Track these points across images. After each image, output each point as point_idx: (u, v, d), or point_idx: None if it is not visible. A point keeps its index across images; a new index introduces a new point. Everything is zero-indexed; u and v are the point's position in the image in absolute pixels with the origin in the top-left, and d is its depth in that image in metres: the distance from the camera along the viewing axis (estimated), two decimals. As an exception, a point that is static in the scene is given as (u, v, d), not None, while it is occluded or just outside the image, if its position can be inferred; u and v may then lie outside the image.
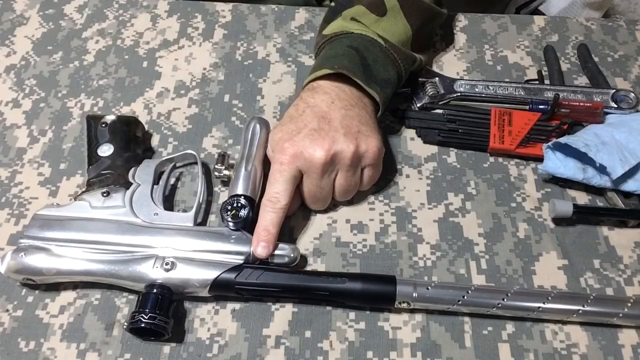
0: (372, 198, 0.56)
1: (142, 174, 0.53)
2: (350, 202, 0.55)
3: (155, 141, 0.60)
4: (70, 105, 0.62)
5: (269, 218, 0.49)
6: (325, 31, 0.57)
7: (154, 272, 0.46)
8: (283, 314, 0.49)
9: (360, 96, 0.53)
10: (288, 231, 0.53)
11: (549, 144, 0.55)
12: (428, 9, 0.60)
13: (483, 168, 0.58)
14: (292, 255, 0.48)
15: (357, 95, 0.53)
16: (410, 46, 0.58)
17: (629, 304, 0.46)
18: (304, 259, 0.52)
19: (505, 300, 0.46)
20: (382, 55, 0.54)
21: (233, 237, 0.49)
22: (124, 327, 0.46)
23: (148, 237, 0.48)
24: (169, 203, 0.55)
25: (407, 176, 0.57)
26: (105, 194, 0.51)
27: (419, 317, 0.49)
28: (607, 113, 0.59)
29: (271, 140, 0.52)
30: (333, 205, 0.55)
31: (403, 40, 0.57)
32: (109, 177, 0.52)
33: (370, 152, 0.50)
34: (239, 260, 0.48)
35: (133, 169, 0.53)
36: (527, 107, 0.59)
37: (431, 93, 0.61)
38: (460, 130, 0.59)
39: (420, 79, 0.62)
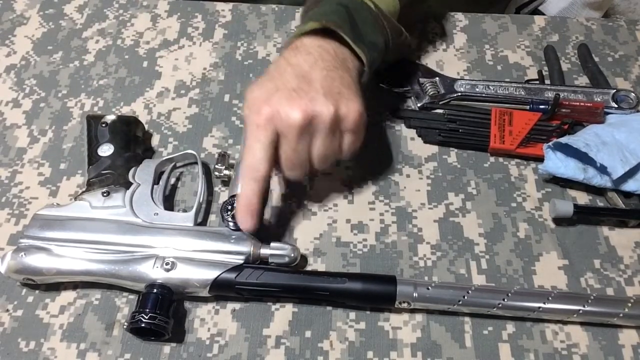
0: (372, 198, 0.56)
1: (142, 173, 0.53)
2: (350, 202, 0.55)
3: (155, 141, 0.60)
4: (70, 105, 0.62)
5: (250, 189, 0.47)
6: None
7: (154, 272, 0.46)
8: (283, 314, 0.49)
9: (345, 58, 0.51)
10: (288, 231, 0.53)
11: (550, 144, 0.55)
12: None
13: (483, 168, 0.58)
14: (292, 255, 0.48)
15: (342, 57, 0.51)
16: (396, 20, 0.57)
17: (630, 304, 0.46)
18: (304, 259, 0.52)
19: (505, 300, 0.46)
20: (371, 19, 0.53)
21: (233, 237, 0.49)
22: (124, 327, 0.46)
23: (148, 237, 0.48)
24: (169, 203, 0.55)
25: (408, 176, 0.57)
26: (105, 194, 0.51)
27: (419, 317, 0.49)
28: (608, 113, 0.59)
29: (247, 98, 0.49)
30: (333, 205, 0.55)
31: (391, 12, 0.56)
32: (109, 177, 0.52)
33: (350, 115, 0.48)
34: (239, 260, 0.48)
35: (133, 168, 0.53)
36: (528, 107, 0.59)
37: (431, 93, 0.61)
38: (460, 130, 0.59)
39: (420, 79, 0.62)
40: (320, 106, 0.46)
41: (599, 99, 0.60)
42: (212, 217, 0.54)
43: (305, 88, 0.47)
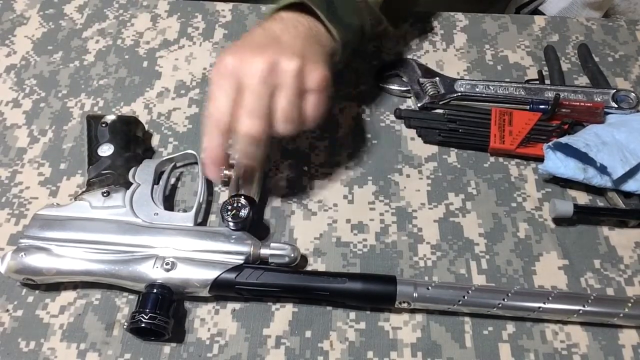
0: (372, 198, 0.56)
1: (143, 173, 0.53)
2: (350, 202, 0.55)
3: (155, 141, 0.60)
4: (70, 105, 0.62)
5: (215, 141, 0.47)
6: None
7: (154, 272, 0.46)
8: (283, 314, 0.49)
9: (319, 33, 0.51)
10: (288, 231, 0.53)
11: (550, 144, 0.55)
12: None
13: (483, 168, 0.58)
14: (292, 255, 0.48)
15: (316, 31, 0.51)
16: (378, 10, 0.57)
17: (630, 304, 0.46)
18: (304, 259, 0.52)
19: (505, 300, 0.46)
20: (349, 1, 0.53)
21: (233, 237, 0.49)
22: (124, 327, 0.46)
23: (148, 237, 0.48)
24: (169, 203, 0.55)
25: (408, 176, 0.57)
26: (105, 194, 0.51)
27: (419, 317, 0.49)
28: (608, 113, 0.59)
29: (217, 60, 0.49)
30: (333, 205, 0.55)
31: (372, 1, 0.56)
32: (109, 177, 0.52)
33: (315, 74, 0.47)
34: (239, 260, 0.48)
35: (133, 168, 0.53)
36: (528, 107, 0.59)
37: (431, 93, 0.61)
38: (460, 130, 0.59)
39: (420, 79, 0.62)
40: (286, 59, 0.46)
41: (599, 99, 0.60)
42: (212, 217, 0.54)
43: (273, 45, 0.47)
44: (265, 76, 0.45)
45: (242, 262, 0.47)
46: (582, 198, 0.56)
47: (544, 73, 0.64)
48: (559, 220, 0.54)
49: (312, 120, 0.49)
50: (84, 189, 0.52)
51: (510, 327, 0.48)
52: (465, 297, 0.46)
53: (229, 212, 0.49)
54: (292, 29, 0.49)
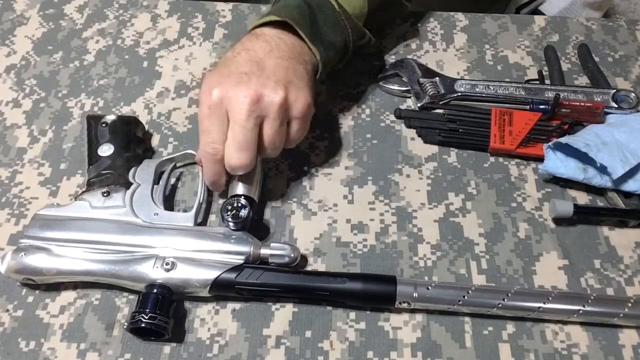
0: (372, 198, 0.56)
1: (143, 173, 0.53)
2: (350, 202, 0.55)
3: (155, 141, 0.60)
4: (70, 105, 0.62)
5: (213, 172, 0.49)
6: None
7: (154, 272, 0.46)
8: (283, 314, 0.49)
9: (302, 52, 0.52)
10: (288, 231, 0.53)
11: (550, 144, 0.55)
12: None
13: (483, 168, 0.58)
14: (292, 255, 0.48)
15: (299, 50, 0.52)
16: (362, 24, 0.58)
17: (630, 304, 0.46)
18: (304, 259, 0.52)
19: (505, 300, 0.46)
20: (332, 18, 0.54)
21: (233, 237, 0.49)
22: (124, 327, 0.46)
23: (148, 237, 0.48)
24: (169, 203, 0.55)
25: (408, 176, 0.57)
26: (105, 194, 0.51)
27: (419, 317, 0.49)
28: (608, 113, 0.59)
29: (202, 82, 0.50)
30: (333, 205, 0.55)
31: (357, 15, 0.57)
32: (109, 177, 0.52)
33: (299, 103, 0.49)
34: (239, 260, 0.48)
35: (133, 168, 0.53)
36: (528, 107, 0.59)
37: (432, 93, 0.61)
38: (460, 130, 0.59)
39: (420, 79, 0.62)
40: (270, 91, 0.48)
41: (599, 99, 0.60)
42: (212, 217, 0.54)
43: (257, 73, 0.48)
44: (251, 107, 0.47)
45: (242, 262, 0.47)
46: (582, 198, 0.56)
47: (544, 73, 0.64)
48: (559, 220, 0.54)
49: (295, 143, 0.52)
50: (84, 189, 0.52)
51: (510, 327, 0.48)
52: (465, 297, 0.46)
53: (229, 212, 0.49)
54: (276, 50, 0.51)
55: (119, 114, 0.61)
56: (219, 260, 0.47)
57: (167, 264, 0.46)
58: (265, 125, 0.48)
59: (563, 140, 0.54)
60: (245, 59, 0.50)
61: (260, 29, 0.52)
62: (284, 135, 0.50)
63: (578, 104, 0.59)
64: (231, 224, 0.49)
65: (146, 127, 0.59)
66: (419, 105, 0.61)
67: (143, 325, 0.44)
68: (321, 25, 0.53)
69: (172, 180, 0.56)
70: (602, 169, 0.53)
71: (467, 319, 0.48)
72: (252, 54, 0.50)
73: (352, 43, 0.56)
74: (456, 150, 0.59)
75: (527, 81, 0.63)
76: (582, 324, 0.48)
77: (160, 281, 0.46)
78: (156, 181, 0.53)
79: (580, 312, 0.46)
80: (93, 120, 0.56)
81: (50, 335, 0.48)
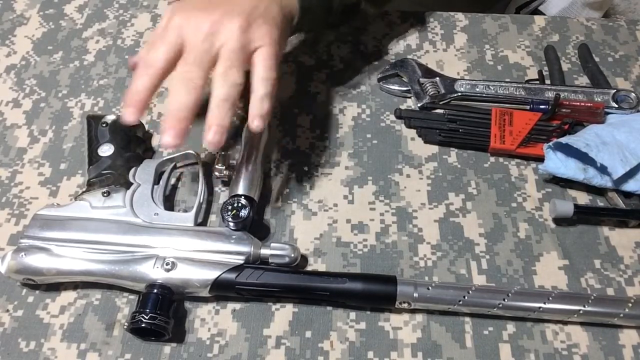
0: (372, 198, 0.56)
1: (143, 173, 0.53)
2: (350, 202, 0.55)
3: (155, 141, 0.60)
4: (70, 105, 0.62)
5: (140, 82, 0.45)
6: None
7: (155, 272, 0.46)
8: (283, 314, 0.49)
9: None
10: (288, 231, 0.53)
11: (550, 144, 0.55)
12: None
13: (484, 168, 0.58)
14: (292, 255, 0.48)
15: None
16: None
17: (630, 304, 0.46)
18: (304, 259, 0.52)
19: (506, 300, 0.46)
20: None
21: (233, 237, 0.49)
22: (125, 327, 0.46)
23: (148, 237, 0.48)
24: (169, 203, 0.55)
25: (408, 176, 0.57)
26: (105, 194, 0.51)
27: (419, 317, 0.49)
28: (608, 113, 0.59)
29: (167, 9, 0.48)
30: (333, 205, 0.55)
31: None
32: (109, 177, 0.52)
33: (263, 39, 0.46)
34: (239, 260, 0.48)
35: (133, 168, 0.53)
36: (528, 107, 0.59)
37: (432, 93, 0.61)
38: (460, 130, 0.59)
39: (420, 79, 0.62)
40: (231, 20, 0.45)
41: (599, 99, 0.60)
42: (212, 217, 0.54)
43: (224, 4, 0.47)
44: (208, 35, 0.45)
45: (242, 262, 0.47)
46: (582, 198, 0.56)
47: (544, 73, 0.64)
48: (559, 220, 0.54)
49: (262, 88, 0.46)
50: (84, 189, 0.52)
51: (511, 327, 0.48)
52: (466, 297, 0.46)
53: (229, 212, 0.49)
54: None
55: (119, 114, 0.61)
56: (219, 261, 0.47)
57: (167, 264, 0.46)
58: (221, 52, 0.45)
59: (563, 140, 0.54)
60: None
61: None
62: (241, 73, 0.46)
63: (578, 104, 0.59)
64: (231, 224, 0.49)
65: (146, 127, 0.59)
66: (419, 105, 0.61)
67: (143, 325, 0.44)
68: None
69: (172, 180, 0.56)
70: (603, 169, 0.53)
71: (467, 319, 0.48)
72: None
73: None
74: (456, 150, 0.59)
75: (527, 81, 0.63)
76: (582, 324, 0.48)
77: (160, 281, 0.46)
78: (156, 181, 0.53)
79: (581, 312, 0.46)
80: (93, 120, 0.56)
81: (51, 336, 0.48)
